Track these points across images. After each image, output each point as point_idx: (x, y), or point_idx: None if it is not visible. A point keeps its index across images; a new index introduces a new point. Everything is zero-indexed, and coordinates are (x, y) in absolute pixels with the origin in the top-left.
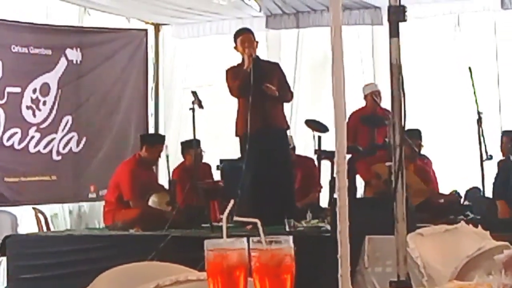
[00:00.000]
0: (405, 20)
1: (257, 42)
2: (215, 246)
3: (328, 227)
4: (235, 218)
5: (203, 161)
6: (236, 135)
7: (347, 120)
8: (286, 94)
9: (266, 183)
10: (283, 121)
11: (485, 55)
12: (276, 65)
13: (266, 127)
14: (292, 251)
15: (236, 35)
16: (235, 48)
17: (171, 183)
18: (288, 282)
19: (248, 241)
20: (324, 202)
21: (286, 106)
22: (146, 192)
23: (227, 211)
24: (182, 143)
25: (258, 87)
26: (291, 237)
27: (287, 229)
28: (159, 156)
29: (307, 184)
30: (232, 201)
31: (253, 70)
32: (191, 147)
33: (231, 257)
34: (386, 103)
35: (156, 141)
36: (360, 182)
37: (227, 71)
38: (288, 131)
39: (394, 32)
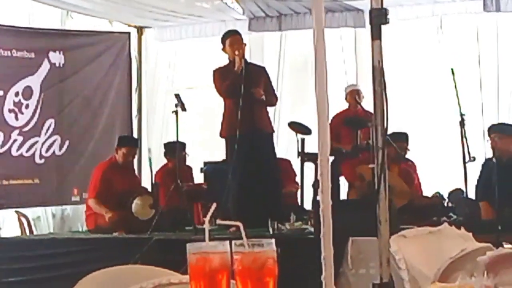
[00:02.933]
0: (387, 23)
1: (245, 44)
2: (198, 250)
3: (312, 229)
4: (218, 222)
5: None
6: (221, 136)
7: (330, 122)
8: (272, 98)
9: (251, 186)
10: (269, 124)
11: (467, 57)
12: (263, 69)
13: (253, 130)
14: (275, 254)
15: (224, 37)
16: (223, 49)
17: (154, 186)
18: (270, 285)
19: (230, 244)
20: (307, 204)
21: (270, 108)
22: (119, 195)
23: (209, 214)
24: (165, 145)
25: (247, 90)
26: (273, 240)
27: (271, 231)
28: (132, 158)
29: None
30: (214, 204)
31: (243, 72)
32: (174, 149)
33: (213, 260)
34: (369, 105)
35: (127, 143)
36: (344, 184)
37: (214, 71)
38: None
39: (376, 35)
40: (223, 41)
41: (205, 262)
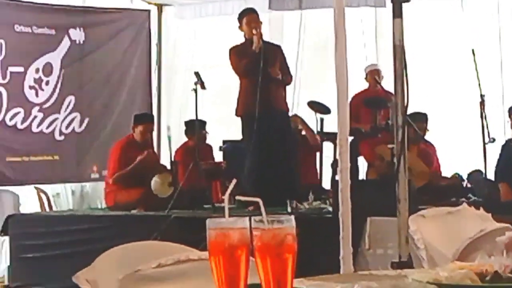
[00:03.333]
0: (408, 1)
1: (261, 22)
2: (217, 225)
3: (330, 209)
4: (237, 197)
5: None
6: (237, 115)
7: (349, 102)
8: (287, 77)
9: (269, 164)
10: (285, 104)
11: (488, 37)
12: (278, 47)
13: (270, 109)
14: (294, 231)
15: (241, 15)
16: (240, 28)
17: (173, 164)
18: (289, 261)
19: (250, 221)
20: (326, 183)
21: (289, 87)
22: (138, 172)
23: (229, 190)
24: (186, 123)
25: (264, 69)
26: (292, 217)
27: (289, 210)
28: (149, 135)
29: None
30: (234, 181)
31: (257, 55)
32: (195, 127)
33: (232, 236)
34: (389, 85)
35: (143, 120)
36: (363, 164)
37: (230, 49)
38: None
39: (397, 13)
40: (240, 19)
41: (224, 237)
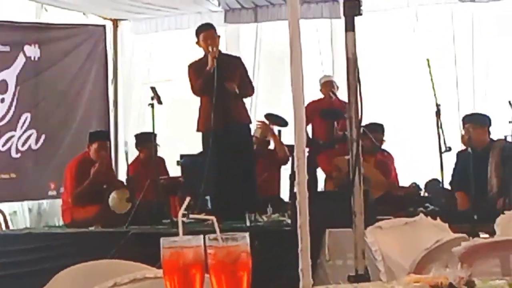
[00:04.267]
0: (360, 14)
1: (219, 36)
2: (171, 244)
3: (289, 221)
4: (191, 216)
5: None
6: (198, 130)
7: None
8: (248, 89)
9: (227, 178)
10: (245, 116)
11: (443, 47)
12: (238, 59)
13: (229, 123)
14: (248, 248)
15: (198, 31)
16: (197, 43)
17: (130, 179)
18: (244, 279)
19: (204, 238)
20: (285, 195)
21: (246, 100)
22: (94, 188)
23: (183, 208)
24: (136, 136)
25: (221, 85)
26: (247, 234)
27: (248, 223)
28: (104, 153)
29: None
30: (188, 198)
31: (216, 68)
32: (146, 140)
33: (187, 254)
34: (346, 95)
35: (97, 138)
36: (321, 176)
37: (189, 66)
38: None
39: (350, 26)
40: (197, 34)
41: (178, 256)
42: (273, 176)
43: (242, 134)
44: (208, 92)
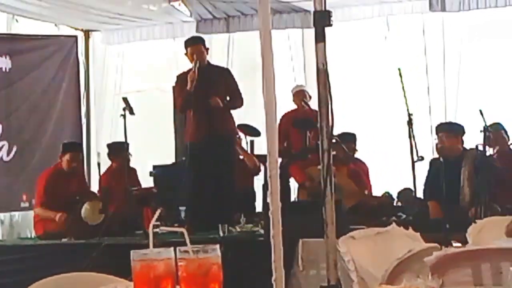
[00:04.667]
0: (330, 25)
1: (207, 49)
2: (142, 257)
3: (262, 232)
4: (162, 228)
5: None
6: (185, 141)
7: (279, 121)
8: (236, 101)
9: (204, 190)
10: (230, 128)
11: (414, 57)
12: (227, 71)
13: (211, 136)
14: (220, 260)
15: (186, 44)
16: (186, 55)
17: (103, 190)
18: None
19: (175, 251)
20: (258, 206)
21: None
22: (68, 200)
23: (153, 220)
24: (108, 146)
25: (203, 100)
26: (217, 246)
27: (221, 234)
28: (77, 163)
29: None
30: (159, 210)
31: (202, 80)
32: (118, 150)
33: (158, 267)
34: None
35: (69, 149)
36: (294, 186)
37: (177, 77)
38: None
39: (320, 37)
40: (185, 47)
41: (149, 269)
42: (249, 186)
43: (224, 146)
44: (188, 109)
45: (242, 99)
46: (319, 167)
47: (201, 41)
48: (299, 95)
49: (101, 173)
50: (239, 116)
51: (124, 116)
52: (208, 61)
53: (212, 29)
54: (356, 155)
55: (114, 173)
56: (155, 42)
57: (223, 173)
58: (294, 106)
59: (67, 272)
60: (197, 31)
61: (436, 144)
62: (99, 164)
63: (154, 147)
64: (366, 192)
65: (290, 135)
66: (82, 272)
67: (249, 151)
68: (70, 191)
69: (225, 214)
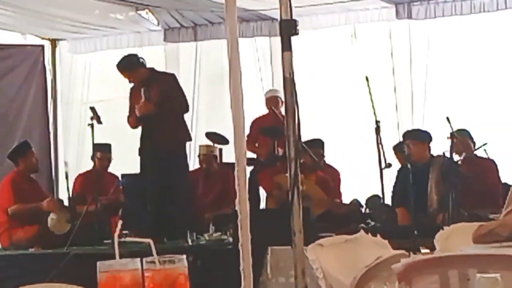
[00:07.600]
0: (297, 34)
1: (141, 68)
2: (108, 268)
3: (231, 240)
4: (128, 239)
5: (111, 171)
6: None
7: (250, 126)
8: (175, 104)
9: (166, 199)
10: (182, 134)
11: (381, 64)
12: (171, 76)
13: (160, 145)
14: (186, 270)
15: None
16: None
17: (71, 199)
18: None
19: (141, 261)
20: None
21: (187, 119)
22: (33, 210)
23: (117, 231)
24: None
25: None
26: (184, 256)
27: (189, 243)
28: (34, 161)
29: (225, 196)
30: (120, 221)
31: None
32: (101, 150)
33: (124, 278)
34: None
35: (22, 150)
36: (263, 193)
37: (131, 89)
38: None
39: (286, 46)
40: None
41: (115, 280)
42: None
43: (175, 154)
44: (137, 126)
45: (186, 102)
46: (287, 175)
47: (126, 66)
48: (271, 101)
49: (69, 182)
50: (207, 124)
51: (91, 125)
52: (152, 68)
53: (180, 38)
54: (328, 161)
55: (90, 178)
56: (122, 51)
57: (182, 180)
58: (266, 111)
59: (34, 283)
60: (164, 39)
61: (403, 151)
62: (66, 173)
63: (122, 156)
64: (335, 199)
65: (260, 143)
66: (50, 283)
67: (218, 160)
68: (34, 198)
69: (193, 222)
